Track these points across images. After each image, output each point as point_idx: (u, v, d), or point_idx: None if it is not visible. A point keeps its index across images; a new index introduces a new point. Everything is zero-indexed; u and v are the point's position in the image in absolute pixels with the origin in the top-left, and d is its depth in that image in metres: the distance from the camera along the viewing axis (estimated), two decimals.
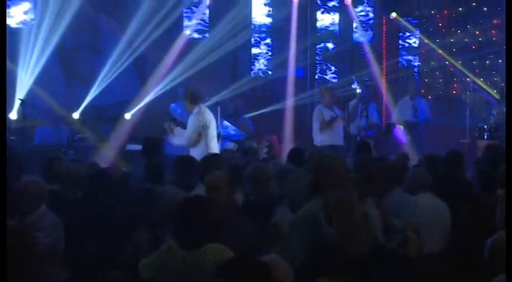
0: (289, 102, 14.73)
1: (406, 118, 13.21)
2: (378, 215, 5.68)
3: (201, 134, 9.93)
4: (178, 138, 10.11)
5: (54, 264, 5.28)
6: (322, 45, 16.08)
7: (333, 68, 16.17)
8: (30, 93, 11.86)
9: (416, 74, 16.37)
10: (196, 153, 9.76)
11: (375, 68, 15.48)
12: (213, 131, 10.08)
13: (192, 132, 9.92)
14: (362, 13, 16.21)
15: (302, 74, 15.59)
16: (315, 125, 12.17)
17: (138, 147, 9.55)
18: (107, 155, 11.55)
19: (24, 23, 13.10)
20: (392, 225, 5.81)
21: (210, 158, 7.47)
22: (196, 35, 14.60)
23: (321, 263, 4.41)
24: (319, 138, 12.10)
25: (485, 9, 15.49)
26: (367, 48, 15.69)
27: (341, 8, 15.89)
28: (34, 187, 5.76)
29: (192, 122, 9.94)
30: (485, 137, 12.59)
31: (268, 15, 15.49)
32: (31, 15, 13.10)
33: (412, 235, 4.75)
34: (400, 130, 13.15)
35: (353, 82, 15.18)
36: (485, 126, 12.91)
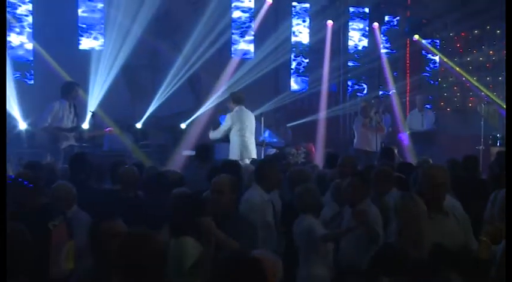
0: (324, 114, 14.84)
1: (415, 127, 13.50)
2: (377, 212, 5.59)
3: (230, 129, 10.28)
4: (213, 133, 10.54)
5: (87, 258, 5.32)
6: (353, 63, 16.18)
7: (363, 84, 16.29)
8: (100, 106, 12.07)
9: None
10: (231, 148, 10.11)
11: (391, 83, 15.60)
12: (244, 130, 10.23)
13: (224, 127, 10.38)
14: (388, 35, 16.28)
15: (335, 89, 15.71)
16: (357, 131, 12.37)
17: (193, 152, 9.68)
18: (166, 159, 11.72)
19: (97, 45, 13.45)
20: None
21: (266, 162, 7.40)
22: (243, 55, 14.79)
23: (383, 263, 4.21)
24: (359, 143, 12.32)
25: (498, 31, 15.45)
26: (387, 66, 15.77)
27: (370, 31, 15.98)
28: (63, 190, 5.82)
29: (227, 118, 10.42)
30: (498, 144, 12.60)
31: (306, 38, 15.63)
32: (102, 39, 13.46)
33: (486, 239, 4.36)
34: (405, 135, 13.61)
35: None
36: (498, 135, 12.96)
